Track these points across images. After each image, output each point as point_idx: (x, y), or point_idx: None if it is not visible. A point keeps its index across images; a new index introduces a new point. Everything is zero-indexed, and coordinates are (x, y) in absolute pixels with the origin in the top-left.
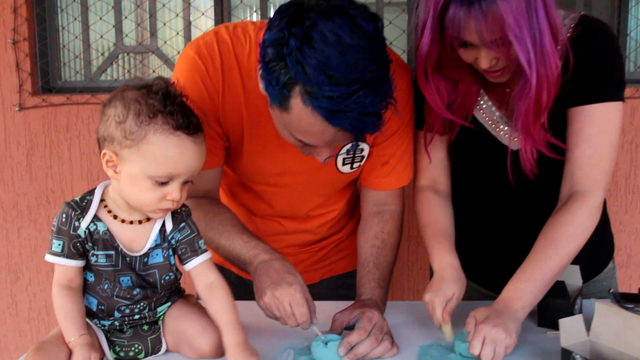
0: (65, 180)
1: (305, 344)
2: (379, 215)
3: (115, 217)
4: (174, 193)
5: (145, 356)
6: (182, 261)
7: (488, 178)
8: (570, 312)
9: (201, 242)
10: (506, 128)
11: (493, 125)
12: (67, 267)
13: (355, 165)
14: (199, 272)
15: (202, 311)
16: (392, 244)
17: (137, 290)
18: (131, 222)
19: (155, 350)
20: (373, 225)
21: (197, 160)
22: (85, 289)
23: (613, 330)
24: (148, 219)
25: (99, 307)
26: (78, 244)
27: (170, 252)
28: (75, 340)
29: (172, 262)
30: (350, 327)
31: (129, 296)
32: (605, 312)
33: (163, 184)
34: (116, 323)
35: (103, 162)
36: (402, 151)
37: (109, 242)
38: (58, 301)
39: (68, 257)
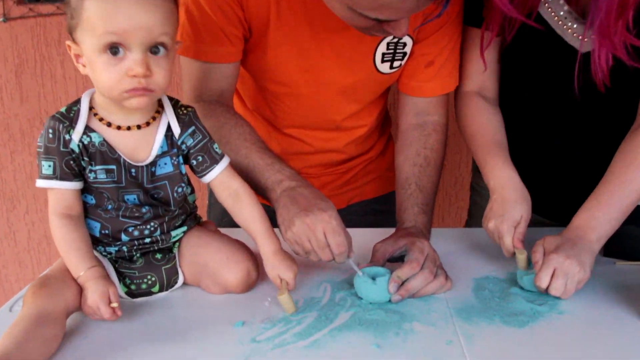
0: (59, 101)
1: (342, 277)
2: (420, 129)
3: (109, 124)
4: (134, 66)
5: (160, 290)
6: (200, 172)
7: (548, 88)
8: None
9: (216, 146)
10: (575, 26)
11: (560, 22)
12: (62, 192)
13: (396, 64)
14: (221, 181)
15: (225, 238)
16: (435, 161)
17: (146, 207)
18: (129, 128)
19: (171, 283)
20: (414, 141)
21: (147, 13)
22: (86, 213)
23: None
24: (148, 124)
25: (103, 231)
26: (72, 162)
27: (181, 159)
28: (85, 274)
29: (184, 172)
30: (393, 260)
31: (137, 214)
32: None
33: (117, 54)
34: (124, 249)
35: (74, 60)
36: (448, 50)
37: (107, 154)
38: (58, 233)
39: (62, 178)
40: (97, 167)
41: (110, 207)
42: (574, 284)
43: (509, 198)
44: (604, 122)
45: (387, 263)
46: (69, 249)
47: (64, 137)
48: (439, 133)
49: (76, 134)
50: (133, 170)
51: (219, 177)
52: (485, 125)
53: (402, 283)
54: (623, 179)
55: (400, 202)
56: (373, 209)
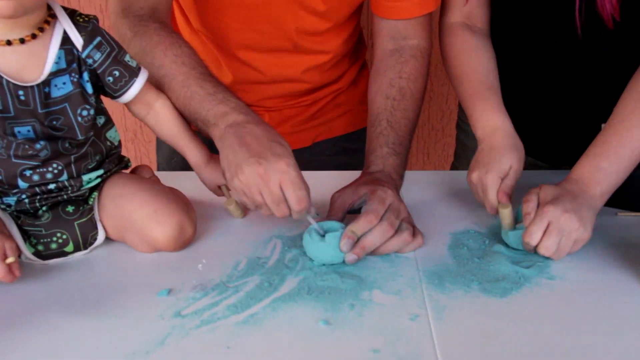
0: None
1: (295, 232)
2: (396, 55)
3: None
4: None
5: (76, 250)
6: (118, 90)
7: (546, 24)
8: None
9: (128, 57)
10: None
11: None
12: None
13: None
14: (141, 97)
15: (157, 187)
16: (413, 92)
17: (42, 142)
18: (9, 43)
19: (89, 240)
20: (388, 69)
21: None
22: None
23: None
24: (34, 36)
25: None
26: None
27: (86, 76)
28: None
29: (90, 91)
30: (354, 211)
31: (31, 152)
32: None
33: None
34: (24, 199)
35: None
36: None
37: None
38: None
39: None
40: None
41: None
42: (569, 244)
43: (498, 146)
44: (610, 60)
45: (347, 216)
46: None
47: None
48: (418, 60)
49: None
50: (21, 92)
51: (140, 94)
52: (474, 65)
53: (358, 239)
54: (633, 123)
55: (369, 142)
56: (343, 148)
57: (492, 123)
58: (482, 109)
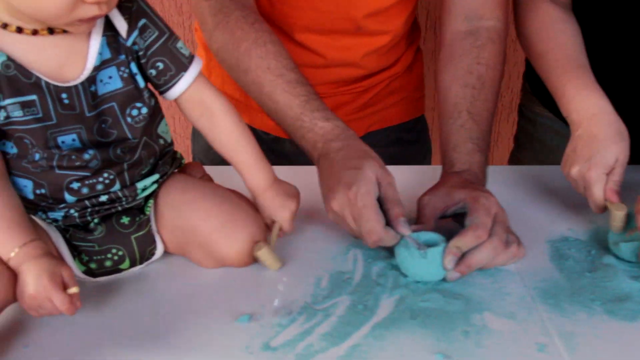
0: None
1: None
2: (472, 38)
3: (18, 29)
4: None
5: (132, 266)
6: (162, 86)
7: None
8: None
9: (180, 45)
10: None
11: None
12: None
13: None
14: (190, 96)
15: (219, 192)
16: (492, 81)
17: (91, 152)
18: (51, 32)
19: (146, 255)
20: (464, 54)
21: None
22: (9, 168)
23: None
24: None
25: (37, 191)
26: None
27: (134, 68)
28: (20, 254)
29: (142, 86)
30: (442, 217)
31: (78, 164)
32: None
33: None
34: (73, 213)
35: None
36: None
37: (19, 79)
38: None
39: None
40: (7, 102)
41: (38, 156)
42: None
43: (600, 135)
44: None
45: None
46: None
47: None
48: (495, 43)
49: None
50: (65, 95)
51: (188, 91)
52: (561, 40)
53: (462, 255)
54: None
55: (447, 136)
56: (397, 139)
57: (590, 105)
58: (576, 88)
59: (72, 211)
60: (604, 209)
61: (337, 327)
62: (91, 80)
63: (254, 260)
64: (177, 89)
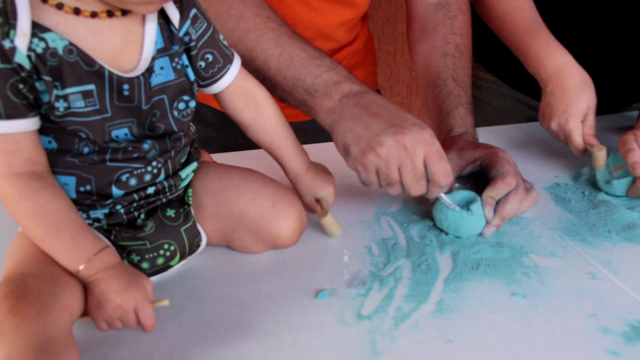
0: None
1: (396, 207)
2: (443, 9)
3: (77, 11)
4: None
5: (180, 260)
6: (209, 79)
7: None
8: None
9: (222, 36)
10: None
11: None
12: (16, 138)
13: None
14: (237, 87)
15: (254, 174)
16: (467, 49)
17: (149, 142)
18: (110, 15)
19: (194, 247)
20: (438, 25)
21: None
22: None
23: None
24: (121, 10)
25: (81, 188)
26: (21, 86)
27: (185, 59)
28: (97, 261)
29: (192, 78)
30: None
31: (137, 155)
32: None
33: None
34: (120, 209)
35: None
36: None
37: (79, 65)
38: (25, 205)
39: (10, 116)
40: (69, 91)
41: (87, 150)
42: None
43: (569, 88)
44: None
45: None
46: (56, 228)
47: (1, 46)
48: (465, 13)
49: (21, 37)
50: (126, 86)
51: (235, 81)
52: (519, 1)
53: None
54: None
55: (438, 104)
56: None
57: (555, 61)
58: (540, 47)
59: (118, 207)
60: (585, 152)
61: (413, 287)
62: (150, 70)
63: (299, 238)
64: (225, 81)
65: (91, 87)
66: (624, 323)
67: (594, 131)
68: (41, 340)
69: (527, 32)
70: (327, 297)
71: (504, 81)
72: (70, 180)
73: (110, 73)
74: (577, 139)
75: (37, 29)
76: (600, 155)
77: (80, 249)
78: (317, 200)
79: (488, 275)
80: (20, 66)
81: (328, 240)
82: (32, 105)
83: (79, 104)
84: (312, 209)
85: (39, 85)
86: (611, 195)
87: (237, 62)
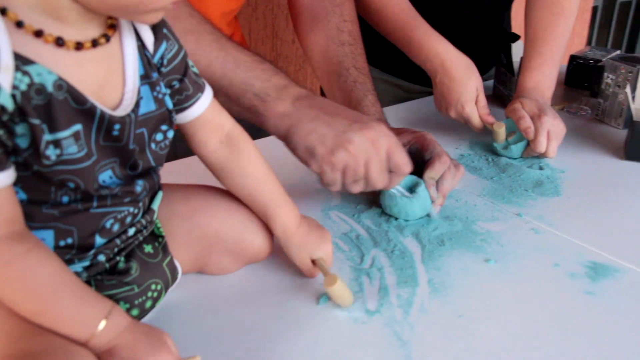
0: None
1: (338, 200)
2: None
3: (60, 42)
4: None
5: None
6: (178, 107)
7: None
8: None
9: (191, 63)
10: None
11: None
12: None
13: None
14: (210, 119)
15: (216, 191)
16: (359, 34)
17: (141, 182)
18: (94, 45)
19: (174, 280)
20: (328, 14)
21: None
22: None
23: None
24: (113, 27)
25: (62, 241)
26: (1, 132)
27: (163, 87)
28: (111, 325)
29: (170, 107)
30: None
31: (128, 199)
32: None
33: None
34: (101, 258)
35: None
36: None
37: (69, 103)
38: (13, 274)
39: None
40: (62, 134)
41: (67, 199)
42: (559, 142)
43: (456, 76)
44: None
45: None
46: (54, 296)
47: None
48: (350, 1)
49: (4, 72)
50: (117, 126)
51: (207, 113)
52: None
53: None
54: (557, 32)
55: (346, 94)
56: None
57: (437, 52)
58: (420, 39)
59: (100, 256)
60: (485, 128)
61: (399, 273)
62: (137, 104)
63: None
64: (195, 110)
65: (78, 127)
66: (582, 266)
67: (488, 109)
68: None
69: (405, 24)
70: (328, 300)
71: (371, 64)
72: (48, 235)
73: (102, 112)
74: (476, 121)
75: (20, 60)
76: (501, 132)
77: (87, 316)
78: (313, 261)
79: (455, 248)
80: (3, 108)
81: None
82: (9, 153)
83: (72, 149)
84: (307, 272)
85: (19, 129)
86: (511, 159)
87: (208, 91)
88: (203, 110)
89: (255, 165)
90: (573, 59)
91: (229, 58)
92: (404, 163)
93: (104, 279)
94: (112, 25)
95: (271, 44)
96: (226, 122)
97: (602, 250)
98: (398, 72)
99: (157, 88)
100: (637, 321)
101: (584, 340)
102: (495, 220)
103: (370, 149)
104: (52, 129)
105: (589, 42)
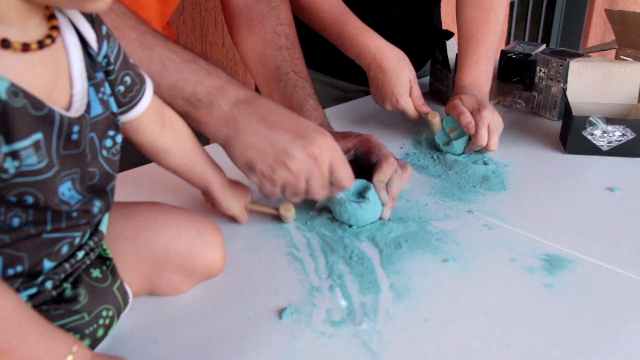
0: None
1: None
2: (265, 1)
3: (5, 43)
4: None
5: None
6: (128, 103)
7: None
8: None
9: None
10: None
11: None
12: None
13: None
14: (153, 108)
15: (163, 206)
16: (295, 37)
17: (98, 203)
18: (41, 46)
19: (125, 305)
20: (264, 17)
21: None
22: None
23: (589, 86)
24: (50, 38)
25: (10, 270)
26: None
27: (107, 88)
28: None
29: (115, 109)
30: None
31: (84, 222)
32: (578, 69)
33: None
34: (47, 285)
35: None
36: None
37: (28, 110)
38: None
39: None
40: (20, 145)
41: (17, 222)
42: (499, 135)
43: (389, 69)
44: None
45: None
46: (20, 333)
47: None
48: (286, 2)
49: None
50: (76, 128)
51: (152, 105)
52: None
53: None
54: (489, 28)
55: (287, 99)
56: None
57: (368, 46)
58: (352, 34)
59: (47, 283)
60: (420, 118)
61: (360, 280)
62: (89, 105)
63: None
64: (143, 104)
65: (39, 136)
66: (537, 259)
67: (422, 100)
68: None
69: (336, 20)
70: (291, 314)
71: (307, 65)
72: None
73: (61, 116)
74: (411, 112)
75: None
76: (435, 121)
77: (54, 352)
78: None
79: (412, 250)
80: None
81: (250, 259)
82: None
83: (31, 160)
84: (242, 217)
85: None
86: (454, 155)
87: (148, 79)
88: (150, 100)
89: (190, 138)
90: (504, 53)
91: (155, 59)
92: (346, 178)
93: (50, 309)
94: (54, 27)
95: (200, 48)
96: (162, 106)
97: (554, 242)
98: (334, 72)
99: (102, 89)
100: (596, 309)
101: (550, 333)
102: (448, 218)
103: (312, 166)
104: (9, 140)
105: (507, 36)
